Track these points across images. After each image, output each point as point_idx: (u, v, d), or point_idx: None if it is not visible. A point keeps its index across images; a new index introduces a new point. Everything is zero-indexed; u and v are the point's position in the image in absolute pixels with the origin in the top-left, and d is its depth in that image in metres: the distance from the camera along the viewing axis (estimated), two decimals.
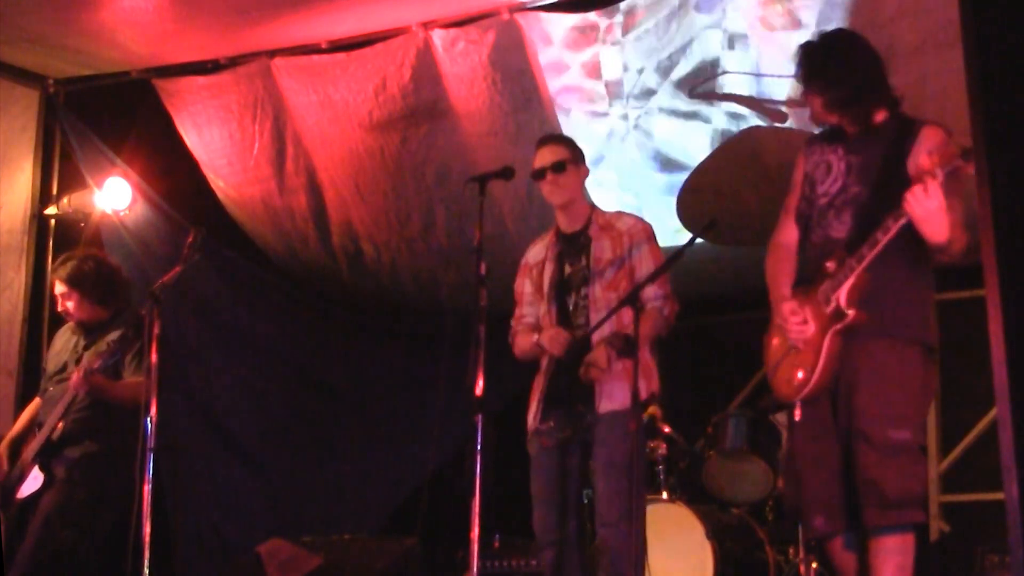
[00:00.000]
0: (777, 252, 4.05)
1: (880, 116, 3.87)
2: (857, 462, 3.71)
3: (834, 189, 3.88)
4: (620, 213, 4.81)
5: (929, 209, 3.55)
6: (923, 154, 3.63)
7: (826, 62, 3.89)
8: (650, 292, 4.50)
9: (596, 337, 4.48)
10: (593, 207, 4.75)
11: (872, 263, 3.68)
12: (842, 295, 3.71)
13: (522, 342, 4.71)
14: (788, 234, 4.04)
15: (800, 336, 3.81)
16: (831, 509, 3.79)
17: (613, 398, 4.46)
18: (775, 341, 3.97)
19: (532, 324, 4.72)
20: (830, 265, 3.77)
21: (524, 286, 4.78)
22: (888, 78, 3.92)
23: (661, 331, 4.59)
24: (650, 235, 4.64)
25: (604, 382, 4.47)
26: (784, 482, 4.12)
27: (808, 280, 3.88)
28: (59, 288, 5.49)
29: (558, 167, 4.61)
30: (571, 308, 4.60)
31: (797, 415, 3.85)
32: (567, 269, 4.65)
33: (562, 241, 4.70)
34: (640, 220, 4.72)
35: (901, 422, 3.71)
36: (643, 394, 4.47)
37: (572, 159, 4.66)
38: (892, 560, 3.70)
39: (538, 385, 4.65)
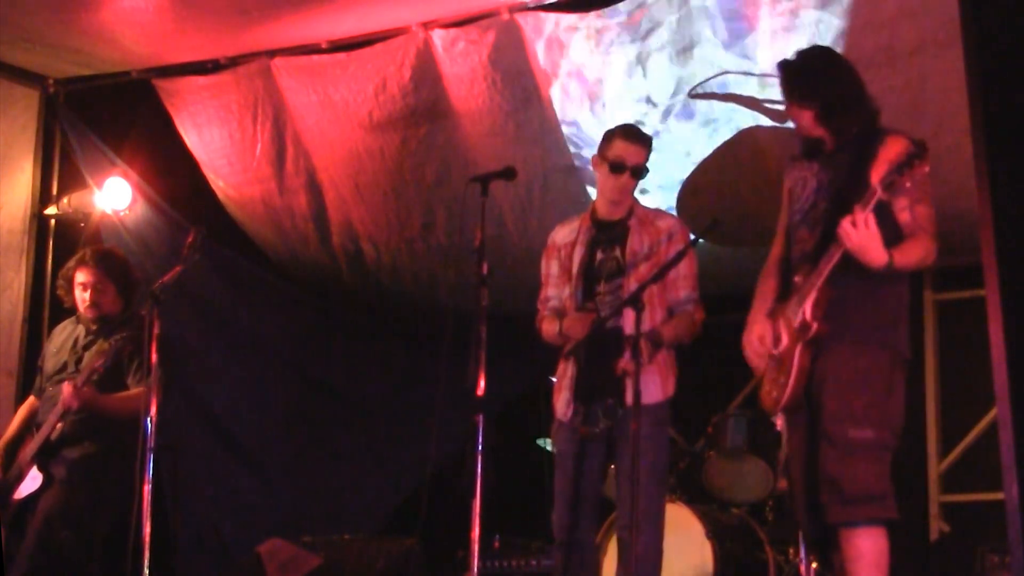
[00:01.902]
0: (765, 269, 4.19)
1: (854, 130, 3.95)
2: (820, 462, 3.80)
3: (806, 206, 3.99)
4: (660, 212, 4.77)
5: (860, 240, 3.67)
6: (882, 166, 3.72)
7: (813, 75, 3.99)
8: (682, 296, 4.53)
9: (629, 331, 4.38)
10: (635, 200, 4.69)
11: (835, 274, 3.77)
12: (807, 308, 3.82)
13: (547, 328, 4.65)
14: (777, 251, 4.18)
15: (759, 363, 4.02)
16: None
17: (644, 392, 4.38)
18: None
19: (557, 308, 4.66)
20: (798, 279, 3.90)
21: (550, 267, 4.71)
22: (866, 92, 4.00)
23: (688, 336, 4.57)
24: (686, 237, 4.59)
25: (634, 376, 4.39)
26: (787, 486, 4.27)
27: (785, 295, 4.01)
28: (89, 278, 5.39)
29: (640, 172, 4.58)
30: (597, 296, 4.54)
31: (779, 425, 4.06)
32: (598, 256, 4.59)
33: (596, 227, 4.63)
34: (679, 222, 4.69)
35: (862, 421, 3.78)
36: (661, 395, 4.50)
37: (647, 160, 4.61)
38: (863, 557, 3.75)
39: (566, 373, 4.57)
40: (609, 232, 4.60)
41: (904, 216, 3.78)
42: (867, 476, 3.74)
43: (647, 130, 5.01)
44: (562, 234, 4.73)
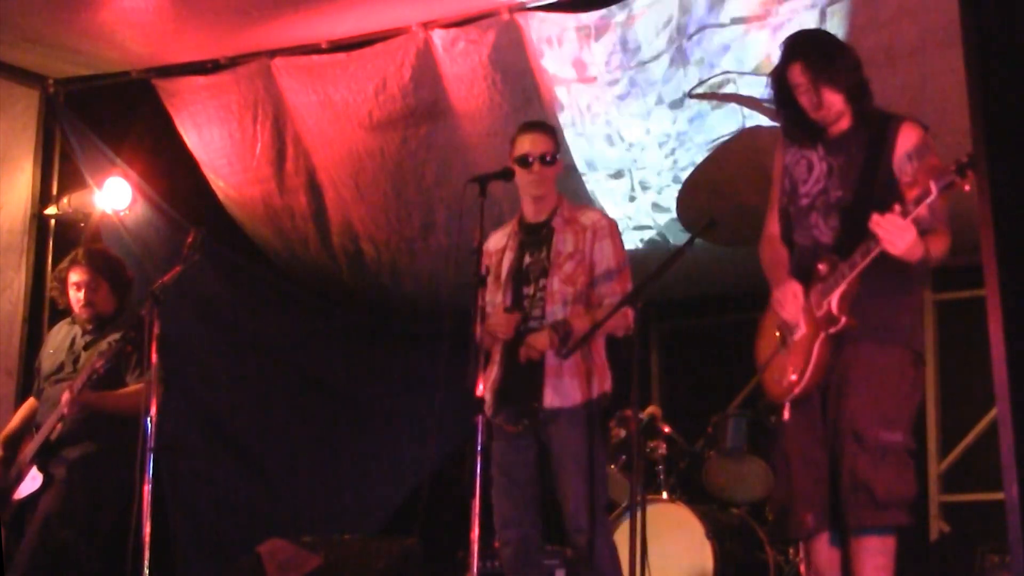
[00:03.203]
0: (772, 243, 4.05)
1: (874, 114, 3.88)
2: (846, 463, 3.72)
3: (815, 190, 3.88)
4: (585, 207, 4.77)
5: (906, 243, 3.57)
6: (909, 176, 3.66)
7: (840, 55, 3.88)
8: (607, 289, 4.48)
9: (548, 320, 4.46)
10: (560, 198, 4.69)
11: (867, 270, 3.69)
12: (834, 300, 3.73)
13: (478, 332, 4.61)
14: (774, 226, 4.05)
15: (794, 317, 3.80)
16: (819, 507, 3.79)
17: (562, 395, 4.43)
18: (763, 341, 3.99)
19: (489, 314, 4.60)
20: (822, 268, 3.79)
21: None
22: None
23: (618, 330, 4.49)
24: (612, 231, 4.60)
25: (552, 376, 4.43)
26: (776, 480, 4.13)
27: (797, 280, 3.89)
28: (82, 277, 5.39)
29: (547, 159, 4.56)
30: (527, 299, 4.55)
31: (786, 415, 3.87)
32: (527, 259, 4.60)
33: (524, 230, 4.65)
34: (604, 216, 4.70)
35: (892, 424, 3.72)
36: (594, 392, 4.46)
37: (557, 151, 4.63)
38: (874, 560, 3.71)
39: (491, 375, 4.56)
40: (536, 234, 4.61)
41: (922, 210, 3.67)
42: (899, 481, 3.69)
43: (646, 130, 5.03)
44: (493, 240, 4.72)
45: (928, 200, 3.51)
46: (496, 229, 4.77)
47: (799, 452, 3.87)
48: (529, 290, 4.56)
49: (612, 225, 4.63)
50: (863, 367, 3.75)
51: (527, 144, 4.58)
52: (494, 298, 4.61)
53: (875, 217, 3.57)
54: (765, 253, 4.08)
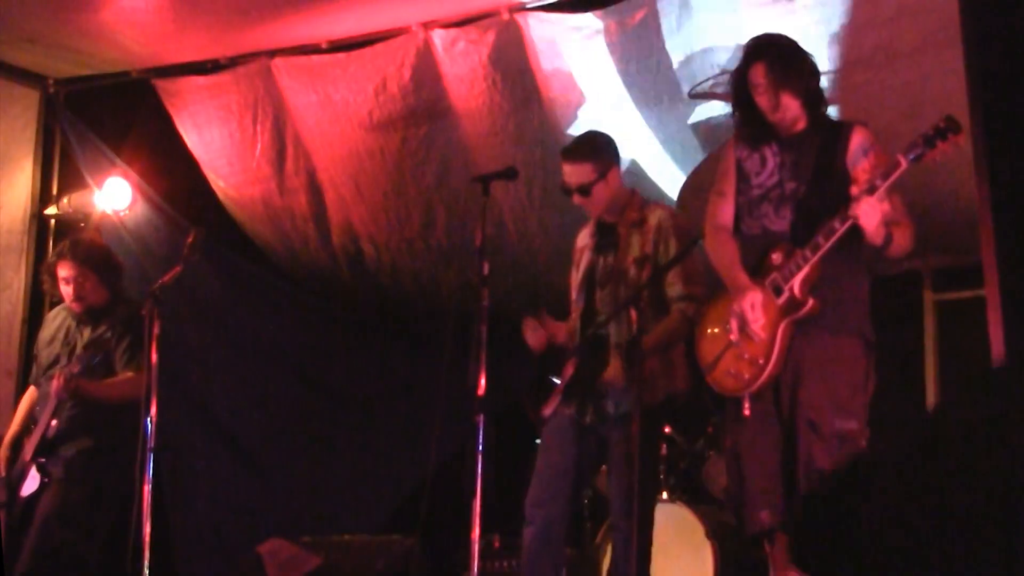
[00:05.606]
0: (720, 235, 4.08)
1: (827, 119, 3.99)
2: (802, 452, 3.74)
3: (770, 183, 3.95)
4: (655, 205, 4.65)
5: (877, 218, 3.65)
6: (861, 168, 3.77)
7: (801, 62, 3.95)
8: (673, 294, 4.44)
9: (614, 340, 4.44)
10: (632, 194, 4.62)
11: (825, 255, 3.74)
12: (796, 285, 3.76)
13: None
14: (726, 216, 4.07)
15: (756, 330, 3.82)
16: (775, 503, 3.80)
17: (631, 398, 4.36)
18: (708, 339, 4.04)
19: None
20: (776, 257, 3.83)
21: (572, 273, 4.70)
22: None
23: (680, 336, 4.46)
24: (679, 229, 4.49)
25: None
26: (727, 477, 4.10)
27: (749, 270, 3.93)
28: (70, 271, 5.36)
29: (583, 191, 4.50)
30: (598, 304, 4.54)
31: (747, 410, 3.85)
32: (600, 262, 4.58)
33: (599, 232, 4.62)
34: (671, 214, 4.60)
35: (847, 413, 3.76)
36: (661, 394, 4.46)
37: (600, 173, 4.49)
38: None
39: (565, 373, 4.58)
40: (609, 237, 4.58)
41: (883, 205, 3.74)
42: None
43: (647, 130, 4.99)
44: (581, 236, 4.72)
45: (899, 172, 3.60)
46: (584, 225, 4.73)
47: (751, 449, 3.87)
48: (598, 294, 4.54)
49: (678, 223, 4.53)
50: (818, 356, 3.78)
51: (567, 173, 4.54)
52: (576, 299, 4.62)
53: (853, 201, 3.65)
54: (714, 245, 4.09)
